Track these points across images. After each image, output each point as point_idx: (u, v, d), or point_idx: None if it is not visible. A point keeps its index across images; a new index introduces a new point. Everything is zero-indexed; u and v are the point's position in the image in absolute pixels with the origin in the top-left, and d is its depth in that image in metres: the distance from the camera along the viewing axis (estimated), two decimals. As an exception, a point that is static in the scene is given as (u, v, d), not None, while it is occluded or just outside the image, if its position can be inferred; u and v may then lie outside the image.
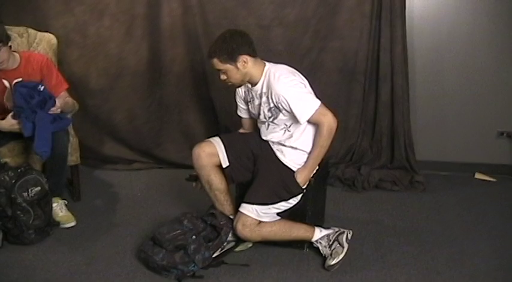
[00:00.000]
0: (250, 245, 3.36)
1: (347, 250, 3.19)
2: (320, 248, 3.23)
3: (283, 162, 3.21)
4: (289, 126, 3.18)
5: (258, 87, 3.18)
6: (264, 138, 3.31)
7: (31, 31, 4.08)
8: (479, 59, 4.43)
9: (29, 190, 3.41)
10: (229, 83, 3.18)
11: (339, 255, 3.16)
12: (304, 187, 3.19)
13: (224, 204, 3.33)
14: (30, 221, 3.39)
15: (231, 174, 3.30)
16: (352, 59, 4.39)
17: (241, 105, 3.44)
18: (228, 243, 3.24)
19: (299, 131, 3.17)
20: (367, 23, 4.31)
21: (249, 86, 3.24)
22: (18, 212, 3.36)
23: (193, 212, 3.32)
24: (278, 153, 3.24)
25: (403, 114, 4.41)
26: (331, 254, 3.17)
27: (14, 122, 3.46)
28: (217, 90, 4.57)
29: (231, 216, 3.28)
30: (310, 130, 3.19)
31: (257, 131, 3.39)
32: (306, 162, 3.19)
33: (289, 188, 3.15)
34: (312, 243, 3.27)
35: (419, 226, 3.73)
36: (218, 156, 3.27)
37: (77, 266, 3.22)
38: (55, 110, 3.51)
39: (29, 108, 3.41)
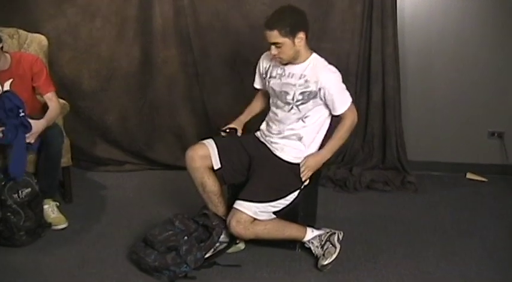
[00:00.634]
0: (243, 247, 3.37)
1: (339, 250, 3.20)
2: (312, 248, 3.23)
3: (282, 158, 3.24)
4: (306, 117, 3.23)
5: (298, 68, 3.20)
6: (272, 125, 3.32)
7: (22, 32, 4.07)
8: (470, 59, 4.46)
9: (20, 192, 3.41)
10: (278, 59, 3.18)
11: (332, 255, 3.17)
12: (302, 182, 3.24)
13: (218, 205, 3.33)
14: (21, 223, 3.38)
15: (222, 176, 3.31)
16: (344, 60, 4.39)
17: (257, 77, 3.49)
18: (220, 244, 3.24)
19: (312, 125, 3.25)
20: (358, 24, 4.32)
21: (281, 65, 3.25)
22: (9, 214, 3.36)
23: (185, 213, 3.32)
24: (277, 152, 3.26)
25: (395, 114, 4.43)
26: (323, 254, 3.18)
27: None
28: (209, 91, 4.59)
29: (224, 217, 3.28)
30: (317, 128, 3.28)
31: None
32: (321, 150, 3.32)
33: (287, 184, 3.18)
34: (303, 243, 3.28)
35: (410, 226, 3.75)
36: (210, 159, 3.27)
37: (68, 268, 3.21)
38: (31, 139, 3.48)
39: (8, 123, 3.41)
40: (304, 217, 3.36)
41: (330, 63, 3.28)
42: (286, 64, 3.23)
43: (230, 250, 3.32)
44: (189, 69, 4.57)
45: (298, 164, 3.25)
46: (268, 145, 3.32)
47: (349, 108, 3.25)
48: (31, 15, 4.47)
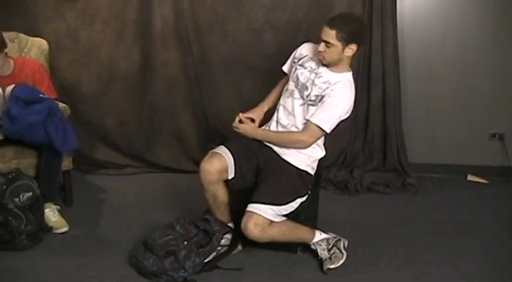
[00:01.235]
0: (240, 248, 3.36)
1: (346, 257, 3.21)
2: (318, 250, 3.23)
3: (289, 162, 3.23)
4: None
5: (330, 76, 3.18)
6: (282, 122, 3.30)
7: (22, 36, 4.07)
8: (470, 61, 4.46)
9: (21, 195, 3.40)
10: (321, 57, 3.15)
11: (339, 260, 3.18)
12: (309, 190, 3.26)
13: (224, 213, 3.34)
14: (22, 227, 3.37)
15: (233, 184, 3.27)
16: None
17: (289, 60, 3.45)
18: (221, 248, 3.23)
19: None
20: (358, 26, 4.31)
21: (319, 63, 3.22)
22: (10, 218, 3.35)
23: (186, 217, 3.31)
24: (284, 156, 3.25)
25: (395, 116, 4.42)
26: (330, 258, 3.18)
27: None
28: (208, 94, 4.59)
29: (229, 224, 3.31)
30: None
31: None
32: (261, 128, 3.36)
33: (297, 187, 3.19)
34: (305, 246, 3.29)
35: (411, 228, 3.75)
36: (227, 171, 3.22)
37: (69, 271, 3.21)
38: None
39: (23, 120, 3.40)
40: (305, 220, 3.34)
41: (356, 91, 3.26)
42: (324, 65, 3.20)
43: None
44: (189, 72, 4.57)
45: (305, 171, 3.25)
46: (274, 149, 3.29)
47: (315, 130, 3.15)
48: (31, 19, 4.47)
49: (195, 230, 3.22)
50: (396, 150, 4.47)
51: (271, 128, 3.34)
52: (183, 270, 3.03)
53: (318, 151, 3.31)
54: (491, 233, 3.66)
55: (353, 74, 3.27)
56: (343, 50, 3.09)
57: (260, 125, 3.42)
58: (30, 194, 3.44)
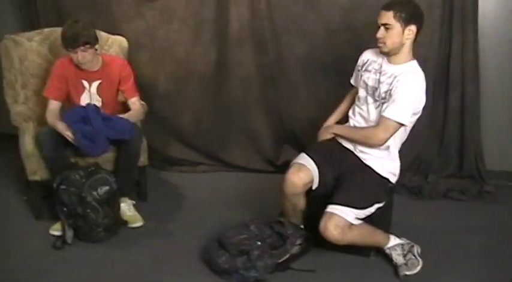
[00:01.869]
0: None
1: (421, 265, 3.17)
2: (393, 255, 3.20)
3: (372, 167, 3.20)
4: None
5: (393, 69, 3.15)
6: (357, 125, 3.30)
7: (103, 34, 4.17)
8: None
9: (98, 189, 3.49)
10: (381, 43, 3.13)
11: (416, 267, 3.15)
12: (389, 197, 3.25)
13: (299, 218, 3.35)
14: (99, 219, 3.46)
15: (314, 192, 3.26)
16: (422, 65, 4.29)
17: (355, 72, 3.46)
18: (295, 248, 3.22)
19: (395, 135, 3.16)
20: (437, 29, 4.21)
21: (386, 59, 3.21)
22: (88, 211, 3.44)
23: (262, 218, 3.33)
24: (367, 161, 3.22)
25: (473, 122, 4.30)
26: (406, 264, 3.15)
27: (66, 130, 3.55)
28: (284, 94, 4.57)
29: (302, 226, 3.31)
30: (402, 137, 3.23)
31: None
32: (345, 125, 3.36)
33: (378, 193, 3.16)
34: (378, 250, 3.26)
35: (488, 238, 3.62)
36: (312, 182, 3.21)
37: (143, 265, 3.29)
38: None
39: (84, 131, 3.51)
40: (379, 224, 3.30)
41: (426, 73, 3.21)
42: (385, 53, 3.17)
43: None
44: (264, 72, 4.57)
45: (387, 179, 3.22)
46: (355, 152, 3.27)
47: (388, 123, 3.07)
48: (112, 18, 4.58)
49: (269, 231, 3.23)
50: (473, 156, 4.35)
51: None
52: (254, 270, 3.05)
53: (396, 158, 3.27)
54: None
55: (425, 71, 3.23)
56: (403, 31, 3.05)
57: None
58: (108, 188, 3.52)
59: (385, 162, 3.21)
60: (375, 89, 3.19)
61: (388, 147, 3.19)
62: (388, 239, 3.23)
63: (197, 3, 4.50)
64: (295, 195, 3.23)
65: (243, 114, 4.71)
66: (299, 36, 4.43)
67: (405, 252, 3.19)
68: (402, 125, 3.08)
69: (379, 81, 3.18)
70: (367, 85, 3.25)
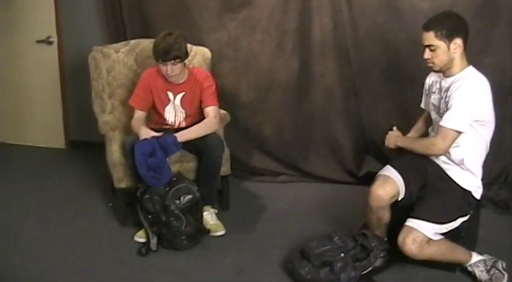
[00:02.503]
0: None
1: (507, 279, 3.06)
2: (476, 272, 3.10)
3: (454, 179, 3.12)
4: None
5: (450, 80, 3.10)
6: None
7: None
8: None
9: (181, 198, 3.54)
10: (430, 64, 3.12)
11: (501, 281, 3.04)
12: (472, 209, 3.14)
13: (383, 231, 3.31)
14: (182, 227, 3.50)
15: (400, 203, 3.21)
16: (509, 75, 4.18)
17: (423, 96, 3.42)
18: (378, 261, 3.18)
19: (465, 145, 3.08)
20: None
21: (442, 75, 3.18)
22: (172, 219, 3.49)
23: (345, 230, 3.29)
24: (449, 172, 3.15)
25: None
26: (490, 279, 3.06)
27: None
28: (366, 105, 4.53)
29: (385, 238, 3.26)
30: (478, 151, 3.14)
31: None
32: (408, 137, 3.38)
33: (460, 207, 3.08)
34: (463, 266, 3.16)
35: None
36: (398, 194, 3.16)
37: (225, 274, 3.30)
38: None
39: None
40: (466, 239, 3.22)
41: (490, 79, 3.10)
42: (438, 71, 3.14)
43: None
44: (346, 83, 4.54)
45: (470, 192, 3.13)
46: (438, 163, 3.20)
47: (445, 131, 3.01)
48: (195, 29, 4.66)
49: (353, 243, 3.19)
50: None
51: None
52: (337, 282, 3.02)
53: (476, 173, 3.17)
54: None
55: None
56: (448, 48, 3.01)
57: None
58: (190, 196, 3.56)
59: (465, 175, 3.13)
60: (440, 107, 3.15)
61: (462, 161, 3.10)
62: (470, 256, 3.14)
63: (280, 14, 4.51)
64: (380, 209, 3.19)
65: (325, 125, 4.69)
66: (382, 46, 4.39)
67: (488, 268, 3.09)
68: (460, 132, 3.00)
69: (441, 99, 3.14)
70: (434, 106, 3.22)
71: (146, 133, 3.64)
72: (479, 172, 3.17)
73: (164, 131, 3.80)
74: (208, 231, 3.73)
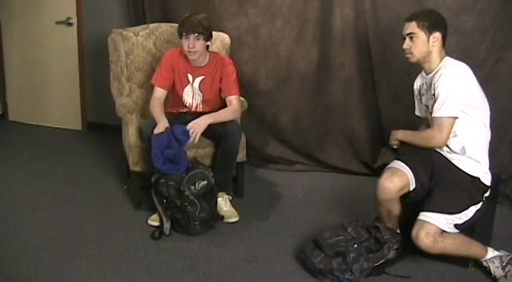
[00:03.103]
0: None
1: None
2: (491, 267, 3.09)
3: (461, 168, 3.11)
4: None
5: (431, 75, 3.14)
6: None
7: (206, 30, 4.24)
8: None
9: (196, 184, 3.54)
10: (409, 54, 3.18)
11: None
12: (483, 196, 3.12)
13: (394, 223, 3.31)
14: (196, 213, 3.52)
15: (413, 195, 3.20)
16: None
17: (416, 101, 3.42)
18: (390, 253, 3.17)
19: (463, 134, 3.07)
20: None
21: (424, 75, 3.22)
22: (186, 204, 3.50)
23: (359, 221, 3.29)
24: (455, 161, 3.12)
25: None
26: (505, 276, 3.04)
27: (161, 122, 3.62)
28: (385, 98, 4.51)
29: (398, 230, 3.26)
30: (478, 136, 3.12)
31: None
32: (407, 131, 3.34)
33: (471, 194, 3.07)
34: (476, 261, 3.15)
35: None
36: (408, 185, 3.15)
37: (238, 261, 3.31)
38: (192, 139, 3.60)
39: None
40: (481, 235, 3.21)
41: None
42: (415, 63, 3.20)
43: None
44: (365, 74, 4.53)
45: (478, 178, 3.10)
46: (443, 154, 3.18)
47: (437, 121, 3.04)
48: (215, 15, 4.64)
49: (366, 234, 3.19)
50: None
51: None
52: (349, 273, 3.02)
53: (482, 161, 3.15)
54: None
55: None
56: (428, 39, 3.10)
57: None
58: (205, 182, 3.57)
59: (471, 162, 3.11)
60: (431, 106, 3.14)
61: (464, 149, 3.09)
62: (486, 251, 3.13)
63: (301, 2, 4.50)
64: (389, 201, 3.19)
65: (342, 115, 4.68)
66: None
67: (504, 264, 3.08)
68: (454, 117, 3.02)
69: (430, 96, 3.14)
70: (427, 107, 3.22)
71: (161, 127, 3.58)
72: (484, 159, 3.15)
73: (182, 114, 3.83)
74: (222, 217, 3.74)
